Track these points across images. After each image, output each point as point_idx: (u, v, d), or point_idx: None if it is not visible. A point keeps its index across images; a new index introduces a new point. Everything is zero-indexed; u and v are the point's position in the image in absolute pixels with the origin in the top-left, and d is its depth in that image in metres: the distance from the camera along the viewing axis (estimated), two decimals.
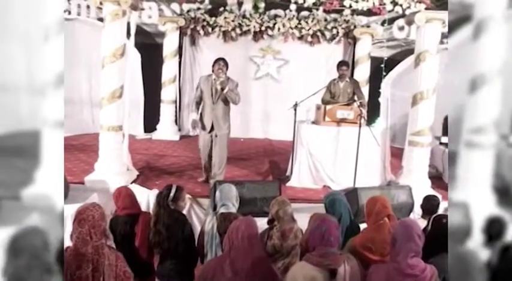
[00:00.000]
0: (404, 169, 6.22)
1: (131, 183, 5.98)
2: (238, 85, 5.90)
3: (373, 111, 9.11)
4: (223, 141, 5.92)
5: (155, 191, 5.62)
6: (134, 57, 8.94)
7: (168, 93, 9.35)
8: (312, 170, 6.27)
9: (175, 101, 9.49)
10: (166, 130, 9.29)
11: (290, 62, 9.56)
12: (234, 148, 8.76)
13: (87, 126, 9.16)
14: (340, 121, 6.16)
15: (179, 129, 9.69)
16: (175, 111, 9.56)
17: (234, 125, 9.69)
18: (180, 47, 9.38)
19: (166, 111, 9.31)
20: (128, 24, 6.34)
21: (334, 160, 6.21)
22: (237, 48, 9.48)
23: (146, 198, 5.57)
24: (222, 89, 5.66)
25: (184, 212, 5.50)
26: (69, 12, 9.28)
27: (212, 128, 5.89)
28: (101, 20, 8.94)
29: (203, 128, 5.96)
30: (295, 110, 6.48)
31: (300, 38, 9.27)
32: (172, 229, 3.47)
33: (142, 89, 9.06)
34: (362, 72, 9.13)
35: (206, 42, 9.50)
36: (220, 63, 5.78)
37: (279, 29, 9.14)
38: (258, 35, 9.27)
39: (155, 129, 9.39)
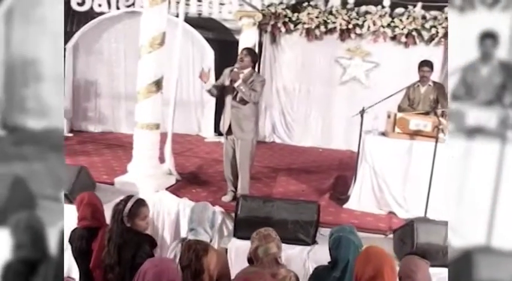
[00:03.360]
0: None
1: (166, 188, 5.39)
2: (265, 82, 4.95)
3: None
4: (245, 148, 5.01)
5: (185, 201, 4.98)
6: (208, 54, 8.44)
7: None
8: (376, 192, 5.16)
9: None
10: None
11: (381, 65, 8.30)
12: (307, 159, 7.86)
13: None
14: (414, 134, 4.97)
15: None
16: None
17: (315, 133, 8.92)
18: (260, 45, 8.63)
19: None
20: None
21: (403, 181, 5.04)
22: (322, 48, 8.47)
23: (176, 207, 4.92)
24: (232, 81, 4.78)
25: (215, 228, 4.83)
26: (142, 6, 8.98)
27: (230, 131, 5.02)
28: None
29: (222, 130, 5.16)
30: (361, 117, 5.43)
31: (393, 38, 7.99)
32: (123, 252, 2.72)
33: None
34: None
35: (288, 40, 8.61)
36: (243, 52, 4.93)
37: (368, 27, 7.99)
38: (344, 34, 8.19)
39: None
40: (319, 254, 3.94)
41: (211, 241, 2.74)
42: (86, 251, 3.00)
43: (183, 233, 4.70)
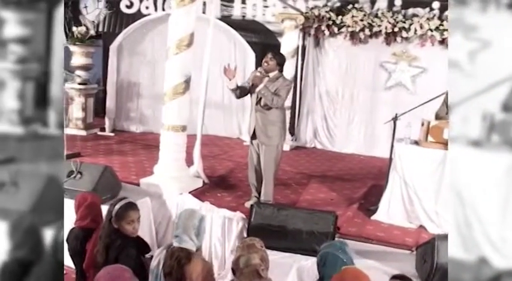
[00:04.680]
0: None
1: (191, 191, 5.33)
2: (291, 87, 4.78)
3: None
4: (270, 154, 4.86)
5: (207, 205, 4.90)
6: (250, 56, 8.37)
7: None
8: (406, 204, 4.87)
9: (292, 107, 8.51)
10: None
11: (428, 70, 7.91)
12: (345, 166, 7.60)
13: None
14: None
15: (295, 139, 8.74)
16: (291, 119, 8.59)
17: (358, 140, 8.63)
18: (303, 49, 8.46)
19: None
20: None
21: (436, 194, 4.72)
22: (367, 52, 8.19)
23: None
24: (253, 85, 4.63)
25: (234, 236, 4.68)
26: None
27: (255, 136, 4.88)
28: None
29: (247, 134, 5.05)
30: (394, 124, 5.18)
31: (442, 42, 7.60)
32: (109, 252, 2.68)
33: None
34: None
35: (332, 44, 8.39)
36: (268, 55, 4.76)
37: (415, 30, 7.64)
38: (390, 38, 7.86)
39: None
40: None
41: (197, 249, 2.63)
42: (80, 251, 2.97)
43: None
